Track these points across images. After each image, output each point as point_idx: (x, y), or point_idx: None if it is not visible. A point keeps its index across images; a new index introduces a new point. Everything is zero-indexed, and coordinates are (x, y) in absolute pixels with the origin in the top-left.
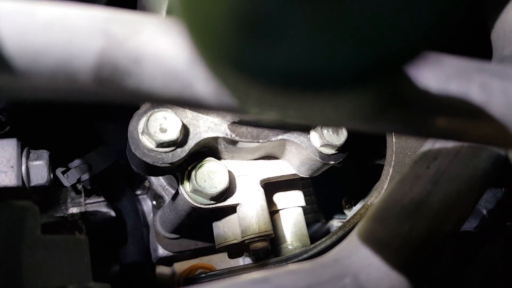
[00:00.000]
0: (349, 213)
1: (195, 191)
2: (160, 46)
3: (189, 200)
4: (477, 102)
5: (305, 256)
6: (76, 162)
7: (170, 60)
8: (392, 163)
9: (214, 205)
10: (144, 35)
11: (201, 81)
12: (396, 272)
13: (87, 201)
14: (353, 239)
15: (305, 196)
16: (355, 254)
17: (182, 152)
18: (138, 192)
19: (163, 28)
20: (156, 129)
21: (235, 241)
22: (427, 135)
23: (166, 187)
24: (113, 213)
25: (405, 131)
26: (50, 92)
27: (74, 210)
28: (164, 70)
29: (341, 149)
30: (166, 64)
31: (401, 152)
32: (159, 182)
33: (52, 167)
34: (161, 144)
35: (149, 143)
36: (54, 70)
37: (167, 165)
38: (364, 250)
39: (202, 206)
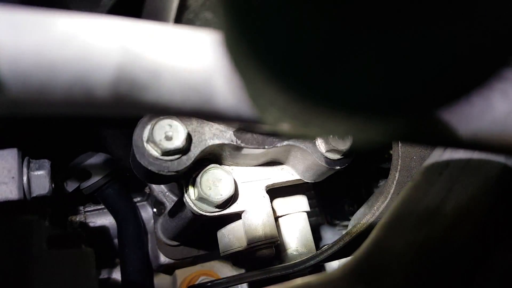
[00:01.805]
0: (353, 217)
1: (201, 199)
2: (179, 59)
3: (194, 208)
4: (500, 111)
5: (312, 262)
6: (75, 169)
7: (189, 73)
8: (398, 167)
9: (220, 213)
10: (163, 47)
11: (221, 94)
12: (413, 282)
13: (87, 209)
14: (368, 248)
15: (307, 199)
16: (372, 265)
17: (187, 160)
18: (138, 198)
19: (181, 39)
20: (161, 137)
21: (240, 249)
22: (450, 146)
23: (167, 193)
24: (113, 221)
25: (428, 143)
26: (66, 107)
27: (73, 218)
28: (183, 83)
29: (346, 154)
30: (185, 77)
31: (407, 156)
32: (159, 189)
33: (52, 175)
34: (166, 153)
35: (154, 152)
36: (71, 85)
37: (173, 173)
38: (381, 260)
39: (207, 214)
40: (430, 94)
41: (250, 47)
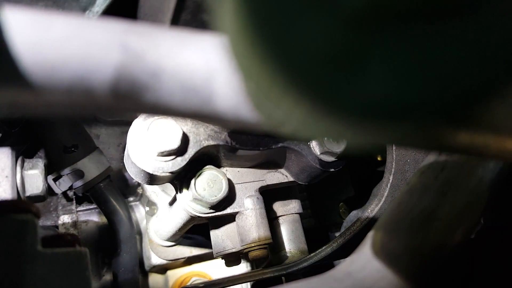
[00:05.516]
0: (346, 219)
1: (195, 199)
2: (178, 60)
3: (188, 208)
4: (498, 114)
5: (305, 264)
6: (68, 169)
7: (189, 74)
8: (393, 170)
9: (214, 214)
10: (163, 48)
11: (221, 96)
12: (409, 285)
13: (79, 209)
14: (364, 251)
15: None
16: (368, 268)
17: (182, 161)
18: (131, 198)
19: (181, 41)
20: (156, 137)
21: (234, 250)
22: (447, 151)
23: (160, 193)
24: (105, 221)
25: (424, 146)
26: (65, 107)
27: (65, 218)
28: (183, 85)
29: (340, 156)
30: (185, 79)
31: (401, 159)
32: (152, 189)
33: (45, 174)
34: (161, 153)
35: (149, 152)
36: (71, 85)
37: (167, 174)
38: (376, 263)
39: (202, 215)
40: (445, 99)
41: (264, 51)
